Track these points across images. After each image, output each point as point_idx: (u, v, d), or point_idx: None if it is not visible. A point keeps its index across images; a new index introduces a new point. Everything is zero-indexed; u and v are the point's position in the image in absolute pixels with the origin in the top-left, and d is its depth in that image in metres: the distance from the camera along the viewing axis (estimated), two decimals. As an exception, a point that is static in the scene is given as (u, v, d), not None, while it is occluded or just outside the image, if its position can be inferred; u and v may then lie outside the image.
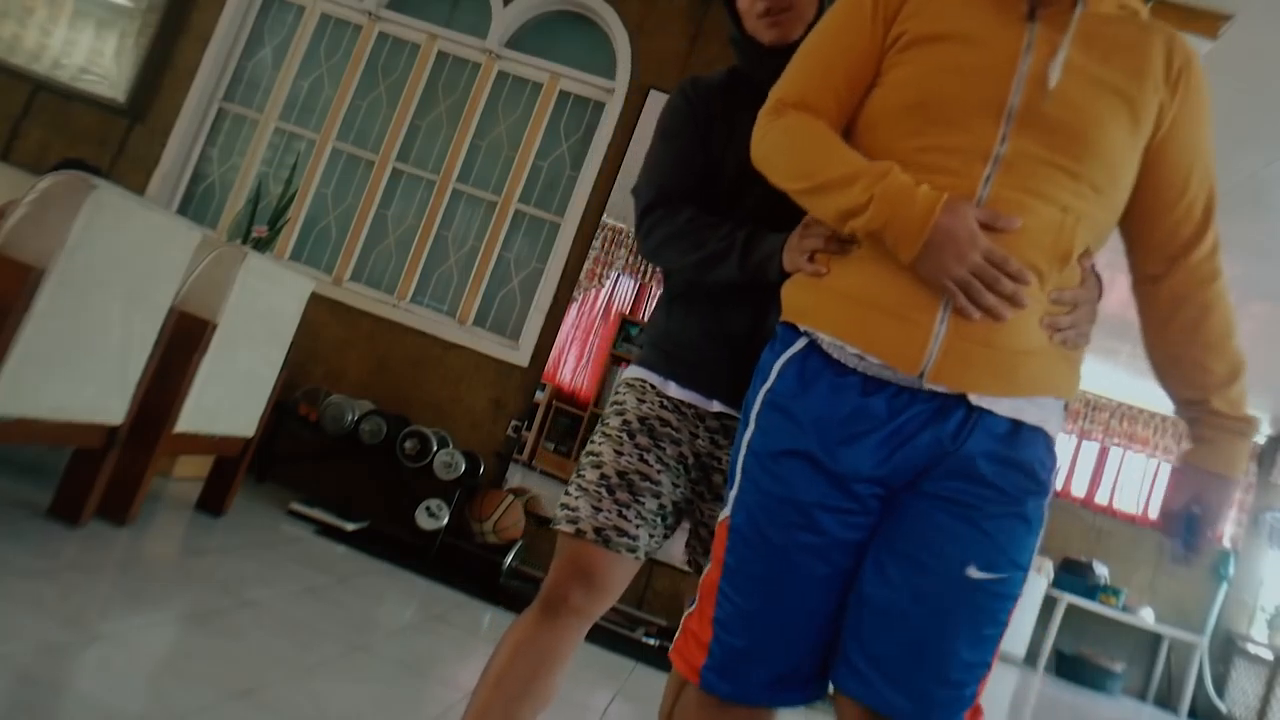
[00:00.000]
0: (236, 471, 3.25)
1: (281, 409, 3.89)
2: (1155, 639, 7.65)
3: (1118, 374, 7.59)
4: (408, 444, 3.86)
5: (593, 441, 1.51)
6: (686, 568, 1.56)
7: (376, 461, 3.97)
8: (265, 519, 3.47)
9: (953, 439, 1.09)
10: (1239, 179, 3.95)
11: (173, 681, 1.89)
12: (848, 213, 1.10)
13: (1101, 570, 7.53)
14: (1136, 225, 1.21)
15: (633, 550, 1.42)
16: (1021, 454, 1.10)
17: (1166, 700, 7.57)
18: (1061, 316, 1.13)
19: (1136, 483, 8.14)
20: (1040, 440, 1.12)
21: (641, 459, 1.45)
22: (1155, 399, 7.95)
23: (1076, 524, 8.04)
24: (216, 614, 2.32)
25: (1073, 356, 1.16)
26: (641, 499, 1.43)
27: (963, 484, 1.09)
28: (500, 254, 4.36)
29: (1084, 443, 8.26)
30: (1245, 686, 7.19)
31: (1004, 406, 1.09)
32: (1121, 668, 7.37)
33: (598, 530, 1.41)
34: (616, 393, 1.55)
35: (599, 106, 4.38)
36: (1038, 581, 7.40)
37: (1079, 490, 8.16)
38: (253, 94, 4.65)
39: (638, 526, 1.42)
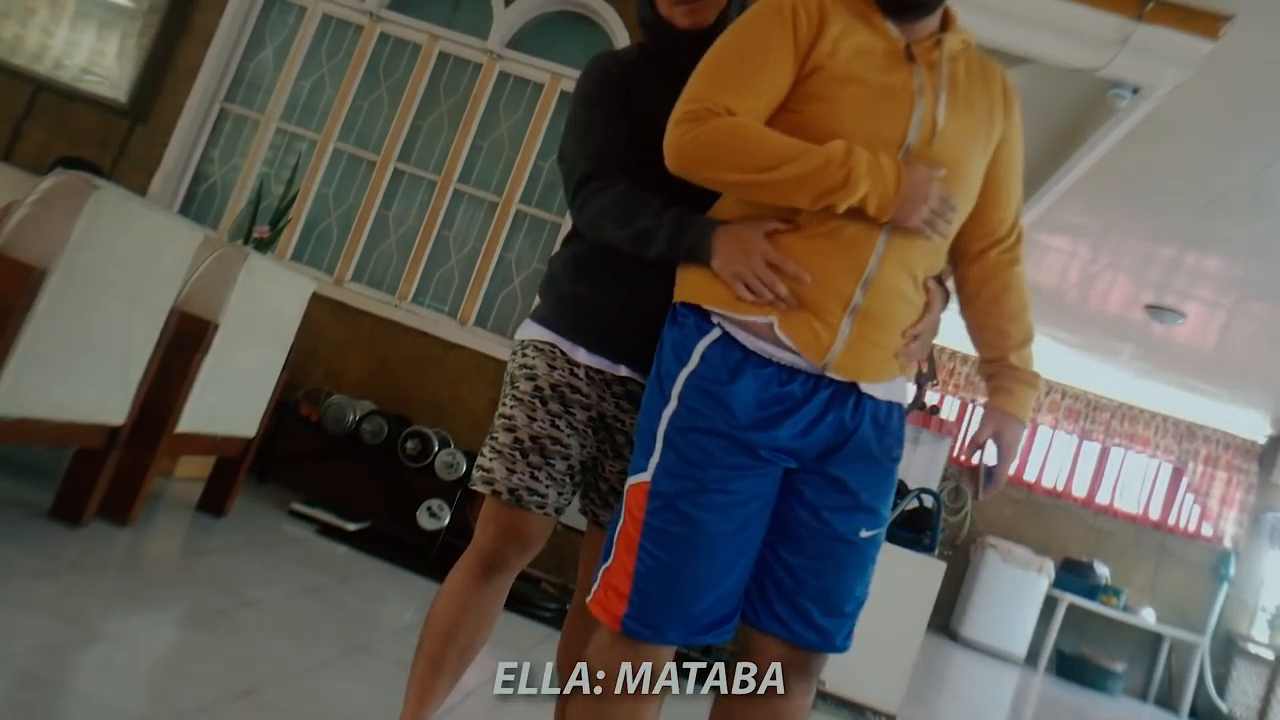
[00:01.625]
0: (238, 472, 3.25)
1: (283, 409, 3.89)
2: (1156, 639, 7.65)
3: (1118, 374, 7.59)
4: (409, 444, 3.86)
5: (504, 404, 1.60)
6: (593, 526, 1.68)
7: (378, 462, 3.97)
8: (266, 519, 3.48)
9: (851, 418, 1.33)
10: (1239, 179, 3.95)
11: (173, 681, 1.89)
12: (826, 192, 1.25)
13: (1102, 570, 7.53)
14: (967, 222, 1.43)
15: (542, 508, 1.55)
16: (892, 426, 1.38)
17: (1167, 700, 7.57)
18: (911, 344, 1.38)
19: (1137, 483, 8.14)
20: (899, 412, 1.40)
21: (553, 424, 1.55)
22: (1156, 399, 7.95)
23: (1077, 524, 8.04)
24: (217, 614, 2.32)
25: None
26: (552, 461, 1.55)
27: (861, 464, 1.35)
28: (501, 254, 4.36)
29: (1085, 443, 8.26)
30: (1246, 687, 7.19)
31: (880, 390, 1.36)
32: (1122, 668, 7.37)
33: (511, 491, 1.53)
34: (525, 354, 1.62)
35: (600, 107, 4.37)
36: (1039, 581, 7.40)
37: (1080, 490, 8.15)
38: (254, 94, 4.65)
39: (547, 487, 1.55)
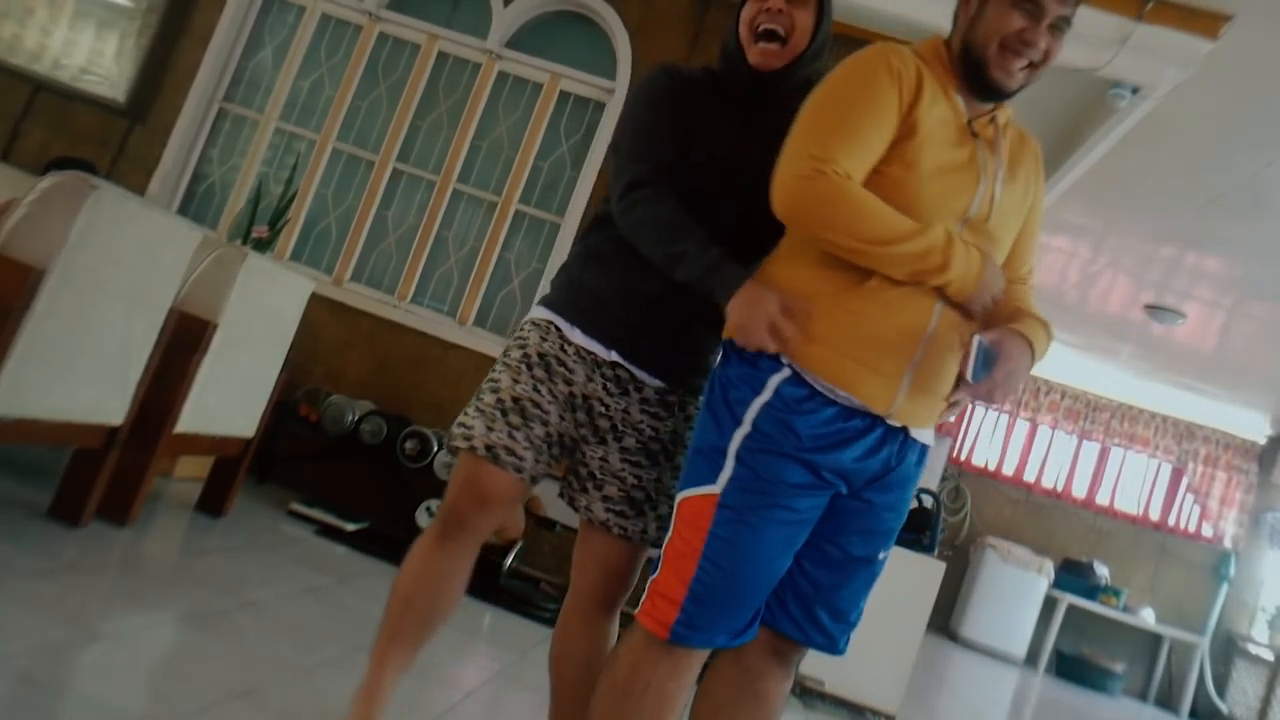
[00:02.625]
0: (237, 472, 3.25)
1: (282, 409, 3.88)
2: (1156, 639, 7.65)
3: (1118, 374, 7.59)
4: (408, 444, 3.86)
5: (493, 370, 1.66)
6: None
7: (377, 462, 3.97)
8: (266, 519, 3.47)
9: (897, 454, 1.46)
10: (1239, 180, 3.95)
11: (173, 682, 1.89)
12: (923, 272, 1.38)
13: (1102, 570, 7.53)
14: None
15: (519, 470, 1.58)
16: (923, 465, 1.53)
17: (1167, 701, 7.57)
18: (952, 407, 1.53)
19: (1137, 483, 8.14)
20: (926, 451, 1.54)
21: (535, 389, 1.60)
22: (1156, 399, 7.95)
23: (1077, 524, 8.04)
24: (217, 614, 2.32)
25: None
26: (531, 424, 1.59)
27: (892, 494, 1.48)
28: (501, 254, 4.36)
29: (1084, 443, 8.26)
30: (1246, 687, 7.19)
31: (925, 436, 1.51)
32: (1122, 668, 7.37)
33: (489, 447, 1.57)
34: (522, 329, 1.68)
35: (599, 107, 4.38)
36: (1038, 581, 7.40)
37: (1080, 491, 8.15)
38: (253, 94, 4.65)
39: (525, 449, 1.58)
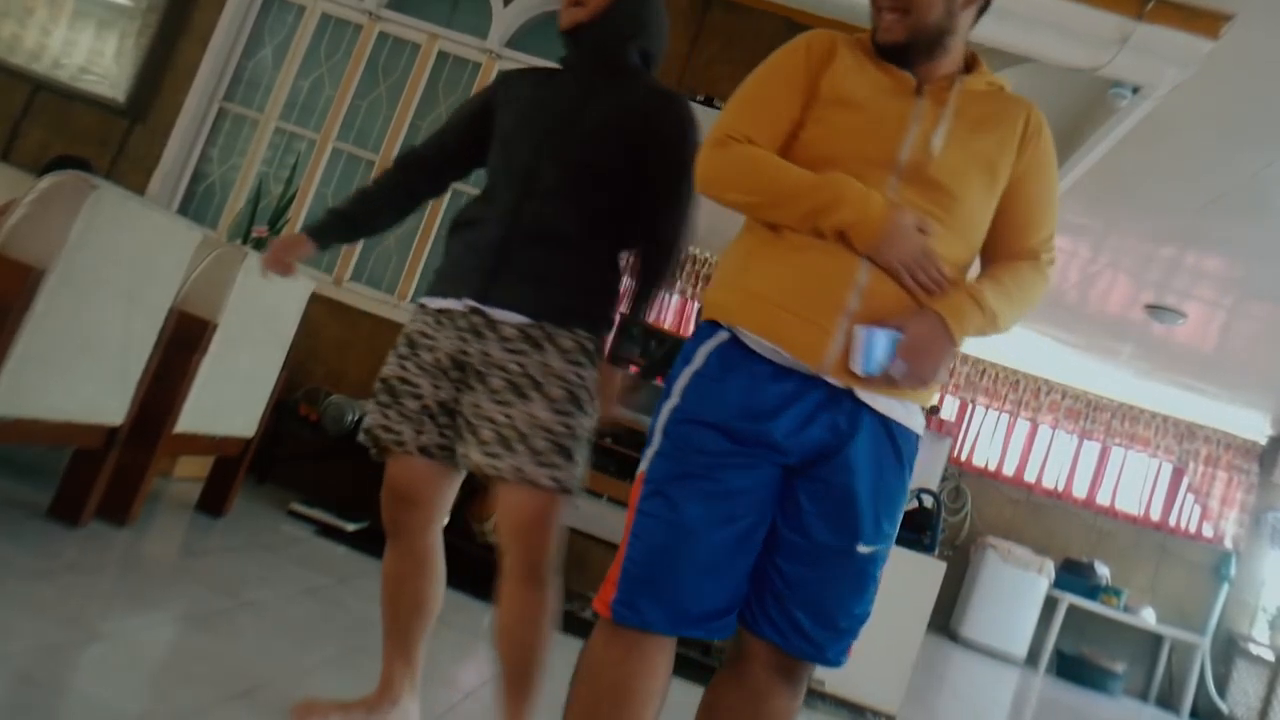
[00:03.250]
0: (237, 472, 3.25)
1: (282, 409, 3.88)
2: (1156, 639, 7.65)
3: (1118, 374, 7.59)
4: (408, 444, 3.86)
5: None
6: None
7: (377, 462, 3.97)
8: (265, 519, 3.47)
9: (846, 423, 1.36)
10: (1239, 179, 3.94)
11: (172, 682, 1.89)
12: (815, 212, 1.36)
13: (1103, 570, 7.52)
14: (991, 244, 1.51)
15: (400, 444, 1.73)
16: (905, 449, 1.41)
17: (1168, 701, 7.56)
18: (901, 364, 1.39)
19: (1138, 483, 8.14)
20: (908, 436, 1.42)
21: (401, 366, 1.75)
22: (1156, 399, 7.95)
23: (1078, 524, 8.04)
24: (216, 614, 2.32)
25: None
26: (401, 400, 1.74)
27: (864, 477, 1.37)
28: (501, 254, 4.36)
29: (1085, 443, 8.26)
30: (1247, 687, 7.18)
31: (880, 404, 1.37)
32: (1123, 668, 7.37)
33: (367, 430, 1.77)
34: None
35: (599, 107, 4.37)
36: (1039, 582, 7.40)
37: (1080, 491, 8.15)
38: (253, 94, 4.65)
39: (399, 423, 1.73)
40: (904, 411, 1.41)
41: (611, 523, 4.07)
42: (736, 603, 1.39)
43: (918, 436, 1.44)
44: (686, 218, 1.79)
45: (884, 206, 1.35)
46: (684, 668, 3.34)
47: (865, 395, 1.36)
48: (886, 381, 1.34)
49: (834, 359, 1.33)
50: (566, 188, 1.74)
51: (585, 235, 1.75)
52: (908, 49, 1.44)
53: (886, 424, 1.39)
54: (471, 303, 1.70)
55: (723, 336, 1.40)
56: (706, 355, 1.40)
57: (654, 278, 1.79)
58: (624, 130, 1.76)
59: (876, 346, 1.31)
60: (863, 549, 1.38)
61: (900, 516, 1.44)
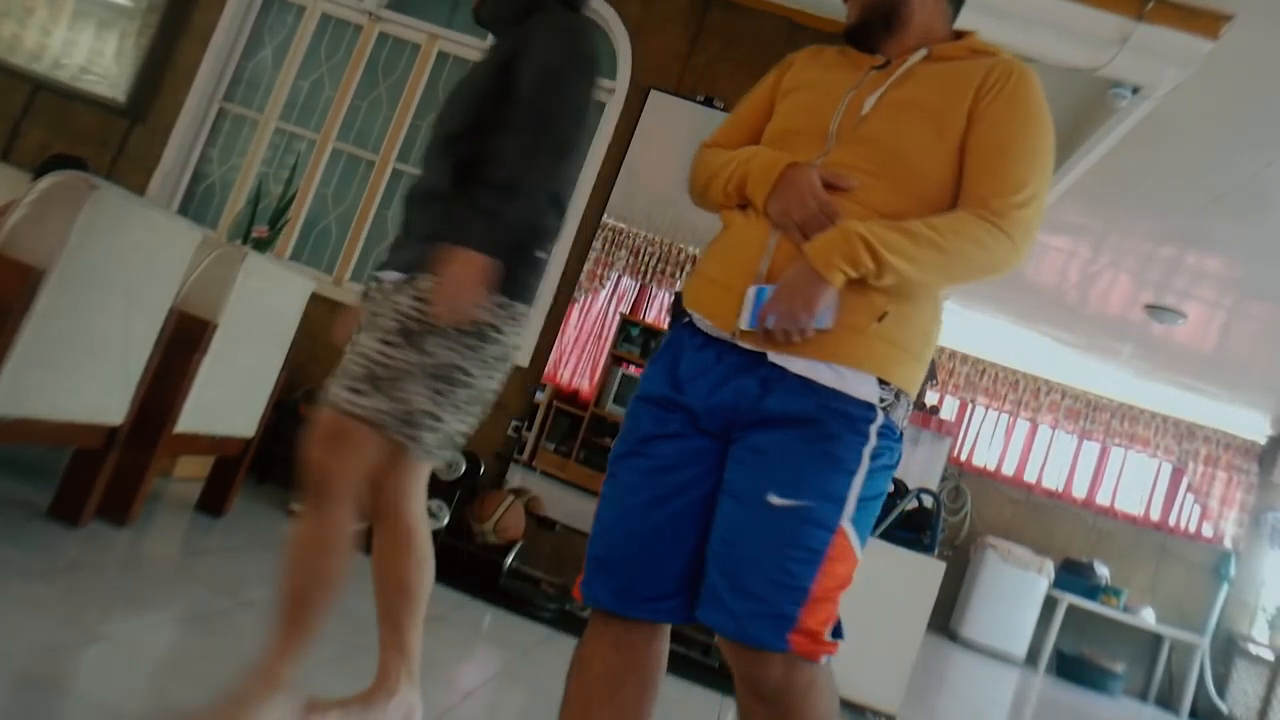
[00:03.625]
0: (237, 472, 3.25)
1: (282, 409, 3.88)
2: (1156, 639, 7.65)
3: (1118, 374, 7.59)
4: (408, 444, 3.86)
5: None
6: None
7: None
8: (265, 519, 3.47)
9: (759, 389, 1.32)
10: (1239, 179, 3.94)
11: (172, 682, 1.89)
12: (725, 180, 1.45)
13: (1102, 571, 7.53)
14: (961, 183, 1.39)
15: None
16: (820, 405, 1.30)
17: (1168, 701, 7.56)
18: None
19: (1137, 483, 8.14)
20: (839, 399, 1.30)
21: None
22: (1156, 399, 7.95)
23: (1077, 524, 8.04)
24: (217, 614, 2.32)
25: (887, 334, 1.33)
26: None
27: (763, 432, 1.31)
28: (500, 254, 4.35)
29: (1084, 443, 8.26)
30: (1246, 687, 7.19)
31: (797, 366, 1.31)
32: (1122, 668, 7.37)
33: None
34: None
35: (599, 106, 4.37)
36: (1039, 582, 7.40)
37: (1080, 491, 8.15)
38: (253, 94, 4.65)
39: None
40: (834, 376, 1.30)
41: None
42: (683, 584, 1.36)
43: (865, 404, 1.30)
44: (545, 76, 1.71)
45: (778, 166, 1.37)
46: (684, 667, 3.35)
47: (778, 358, 1.31)
48: (783, 338, 1.29)
49: (743, 324, 1.33)
50: (434, 150, 1.82)
51: (456, 184, 1.76)
52: (862, 28, 1.49)
53: (814, 386, 1.30)
54: (390, 273, 1.76)
55: (683, 320, 1.44)
56: (670, 338, 1.44)
57: (515, 135, 1.71)
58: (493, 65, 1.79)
59: (757, 302, 1.31)
60: (775, 500, 1.26)
61: (848, 482, 1.28)
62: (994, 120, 1.37)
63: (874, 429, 1.30)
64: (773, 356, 1.31)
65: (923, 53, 1.45)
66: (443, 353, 1.67)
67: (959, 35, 1.51)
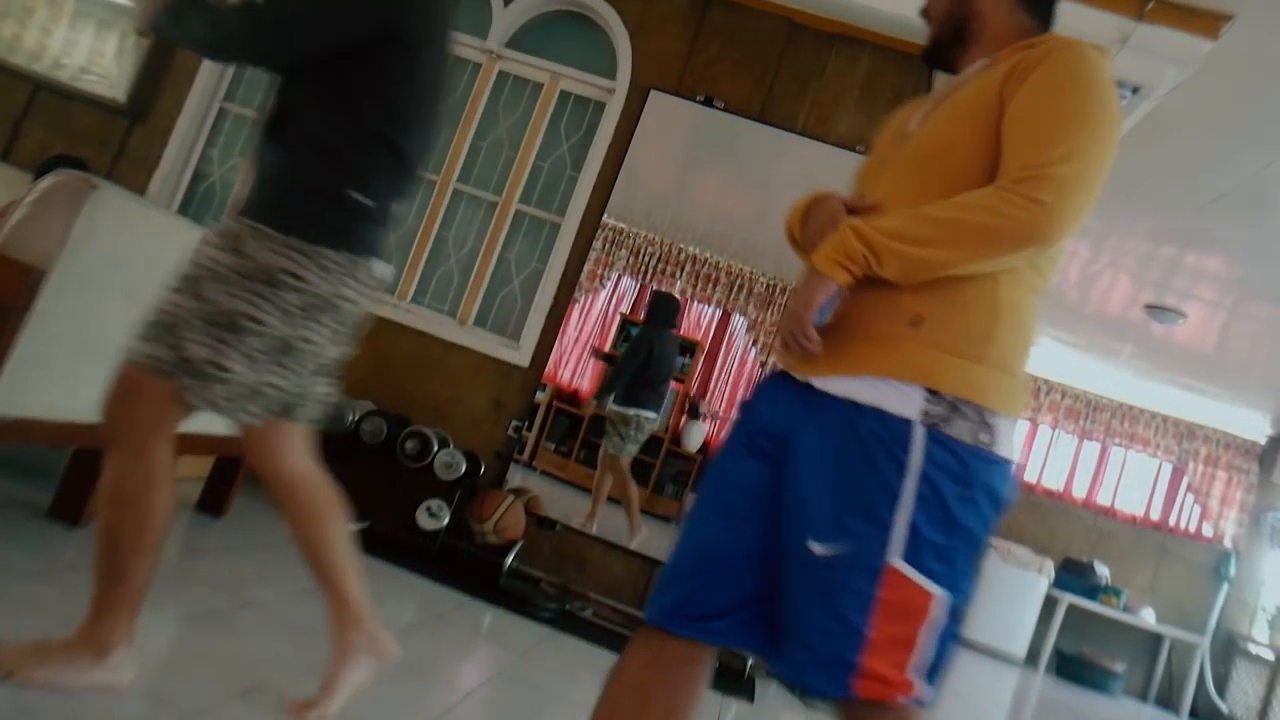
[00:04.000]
0: (237, 472, 3.25)
1: (282, 409, 3.88)
2: (1156, 639, 7.65)
3: (1118, 374, 7.59)
4: (408, 444, 3.86)
5: None
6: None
7: (377, 462, 3.97)
8: (265, 519, 3.47)
9: (802, 411, 1.30)
10: (1239, 179, 3.94)
11: (172, 682, 1.89)
12: (785, 229, 1.53)
13: (1102, 570, 7.53)
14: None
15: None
16: (855, 430, 1.24)
17: (1168, 701, 7.56)
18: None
19: (1137, 483, 8.14)
20: (873, 419, 1.24)
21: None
22: (1156, 399, 7.95)
23: (1078, 524, 8.04)
24: (216, 614, 2.32)
25: (926, 338, 1.27)
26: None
27: (804, 465, 1.27)
28: (501, 255, 4.36)
29: (1085, 443, 8.25)
30: (1246, 687, 7.18)
31: (832, 385, 1.28)
32: (1122, 668, 7.37)
33: None
34: None
35: (599, 106, 4.38)
36: (1039, 581, 7.40)
37: (1080, 491, 8.15)
38: (253, 93, 4.65)
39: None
40: (872, 392, 1.25)
41: (611, 523, 4.06)
42: (734, 607, 1.31)
43: (901, 421, 1.22)
44: None
45: (806, 200, 1.46)
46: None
47: (819, 381, 1.29)
48: (793, 344, 1.30)
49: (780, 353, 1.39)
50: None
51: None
52: (937, 47, 1.52)
53: (852, 409, 1.25)
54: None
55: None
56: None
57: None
58: None
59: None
60: (815, 547, 1.22)
61: (883, 517, 1.21)
62: (1022, 97, 1.30)
63: (916, 449, 1.21)
64: (803, 376, 1.31)
65: (982, 63, 1.44)
66: (223, 299, 1.61)
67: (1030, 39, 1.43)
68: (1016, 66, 1.33)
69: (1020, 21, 1.48)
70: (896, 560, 1.20)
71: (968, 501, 1.23)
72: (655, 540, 3.98)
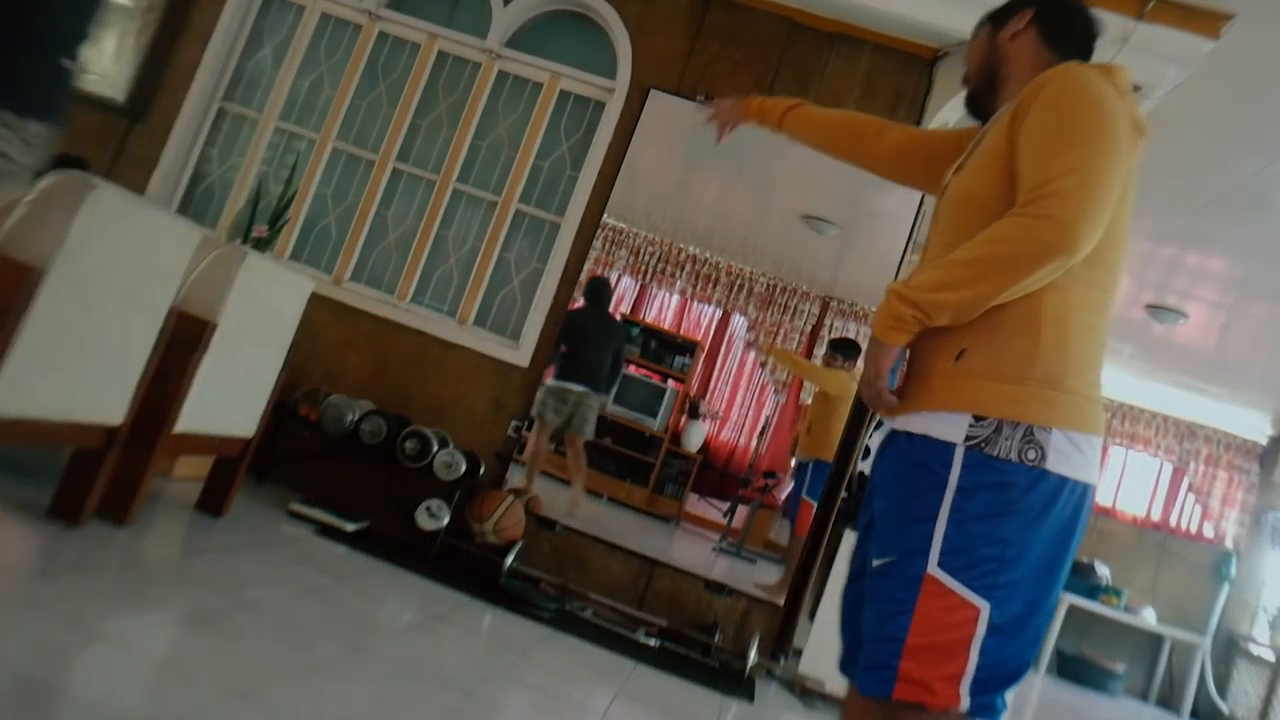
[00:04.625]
0: (236, 472, 3.24)
1: (281, 409, 3.88)
2: (1157, 640, 7.64)
3: (1119, 374, 7.59)
4: (408, 444, 3.86)
5: None
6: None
7: (377, 462, 3.97)
8: (265, 519, 3.47)
9: (879, 449, 1.48)
10: (1239, 179, 3.94)
11: (173, 682, 1.89)
12: None
13: (1103, 571, 7.52)
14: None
15: None
16: (907, 459, 1.39)
17: (1168, 701, 7.56)
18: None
19: (1138, 483, 8.13)
20: (922, 448, 1.37)
21: None
22: (1156, 399, 7.95)
23: (1077, 524, 8.03)
24: (216, 614, 2.32)
25: (968, 368, 1.37)
26: None
27: (873, 496, 1.48)
28: (500, 254, 4.36)
29: (1085, 443, 8.25)
30: (1247, 687, 7.18)
31: (898, 423, 1.45)
32: (1123, 668, 7.36)
33: None
34: None
35: (599, 106, 4.37)
36: (1039, 582, 7.39)
37: (1080, 490, 8.15)
38: (253, 94, 4.65)
39: None
40: (922, 422, 1.38)
41: (610, 523, 4.06)
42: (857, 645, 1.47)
43: (945, 444, 1.33)
44: None
45: (885, 294, 1.45)
46: (684, 667, 3.35)
47: (891, 422, 1.48)
48: (875, 406, 1.47)
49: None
50: None
51: None
52: (974, 96, 1.63)
53: (907, 440, 1.42)
54: None
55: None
56: None
57: None
58: None
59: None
60: (875, 562, 1.39)
61: (924, 531, 1.31)
62: (1025, 129, 1.37)
63: (955, 466, 1.31)
64: (889, 424, 1.48)
65: (1006, 106, 1.48)
66: None
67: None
68: (1020, 104, 1.41)
69: (1046, 59, 1.51)
70: (935, 569, 1.29)
71: (1007, 515, 1.28)
72: (655, 540, 3.98)
